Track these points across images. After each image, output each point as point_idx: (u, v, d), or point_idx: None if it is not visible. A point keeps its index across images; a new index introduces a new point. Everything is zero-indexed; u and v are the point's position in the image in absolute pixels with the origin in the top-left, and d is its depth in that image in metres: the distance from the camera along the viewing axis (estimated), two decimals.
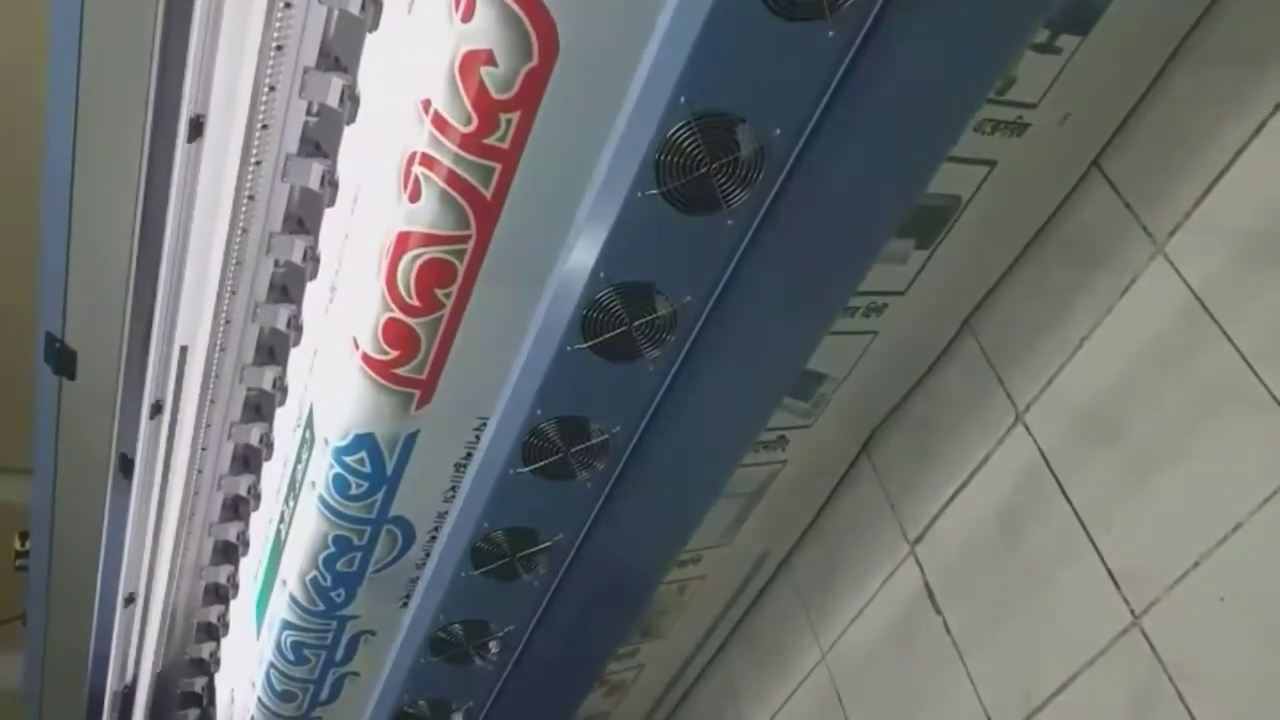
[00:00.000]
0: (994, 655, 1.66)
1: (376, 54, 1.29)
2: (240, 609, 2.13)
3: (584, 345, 1.14)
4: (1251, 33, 1.30)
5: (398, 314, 1.27)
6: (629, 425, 1.26)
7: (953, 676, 1.72)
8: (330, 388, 1.44)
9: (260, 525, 1.95)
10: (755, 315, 1.15)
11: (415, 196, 1.18)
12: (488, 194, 1.17)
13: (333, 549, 1.58)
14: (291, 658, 1.77)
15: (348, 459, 1.45)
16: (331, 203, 1.47)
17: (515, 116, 1.11)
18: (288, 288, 1.69)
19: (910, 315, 1.63)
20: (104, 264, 1.41)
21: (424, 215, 1.19)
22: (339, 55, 1.35)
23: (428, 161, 1.15)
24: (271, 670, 1.80)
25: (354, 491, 1.49)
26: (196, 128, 1.36)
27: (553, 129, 1.12)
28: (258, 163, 1.42)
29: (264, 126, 1.38)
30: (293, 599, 1.68)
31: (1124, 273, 1.43)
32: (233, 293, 1.63)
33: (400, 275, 1.24)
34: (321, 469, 1.49)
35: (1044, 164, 1.46)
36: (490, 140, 1.13)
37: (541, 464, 1.27)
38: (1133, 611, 1.42)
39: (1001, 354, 1.64)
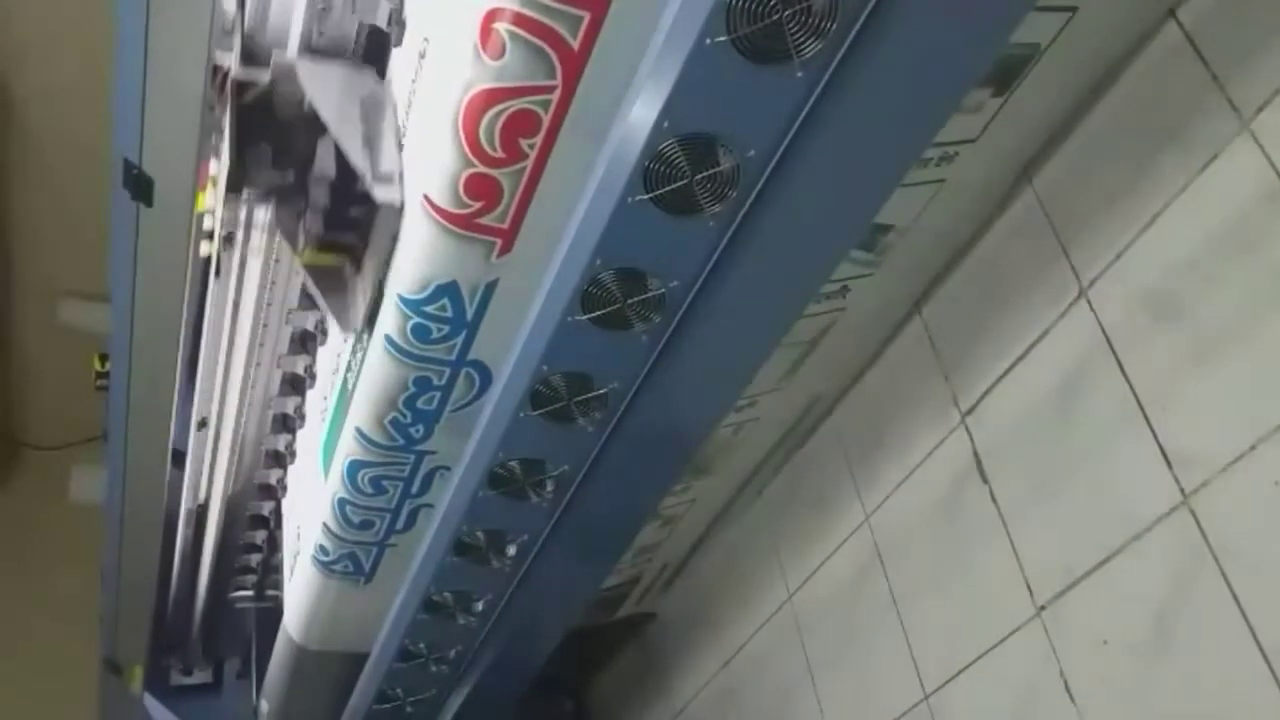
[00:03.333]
0: (1038, 527, 1.68)
1: None
2: (306, 451, 2.22)
3: (645, 197, 1.14)
4: None
5: (480, 167, 1.28)
6: (687, 280, 1.26)
7: (996, 546, 1.75)
8: (407, 241, 1.43)
9: (325, 370, 2.01)
10: (821, 170, 1.13)
11: (498, 53, 1.16)
12: (575, 44, 1.16)
13: (413, 389, 1.61)
14: (370, 490, 1.84)
15: (429, 308, 1.47)
16: (399, 42, 1.45)
17: None
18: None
19: (978, 165, 1.59)
20: (179, 90, 1.43)
21: (509, 69, 1.18)
22: None
23: (511, 16, 1.13)
24: (347, 505, 1.89)
25: (434, 336, 1.52)
26: None
27: None
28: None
29: None
30: (369, 439, 1.74)
31: (1205, 147, 1.38)
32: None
33: (483, 130, 1.23)
34: (396, 322, 1.51)
35: (1125, 14, 1.40)
36: None
37: (599, 313, 1.29)
38: (1183, 491, 1.43)
39: (1066, 222, 1.60)
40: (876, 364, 2.03)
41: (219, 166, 1.51)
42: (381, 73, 1.56)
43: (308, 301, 2.02)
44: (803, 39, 0.98)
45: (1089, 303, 1.57)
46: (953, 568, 1.85)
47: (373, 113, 1.48)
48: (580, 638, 2.65)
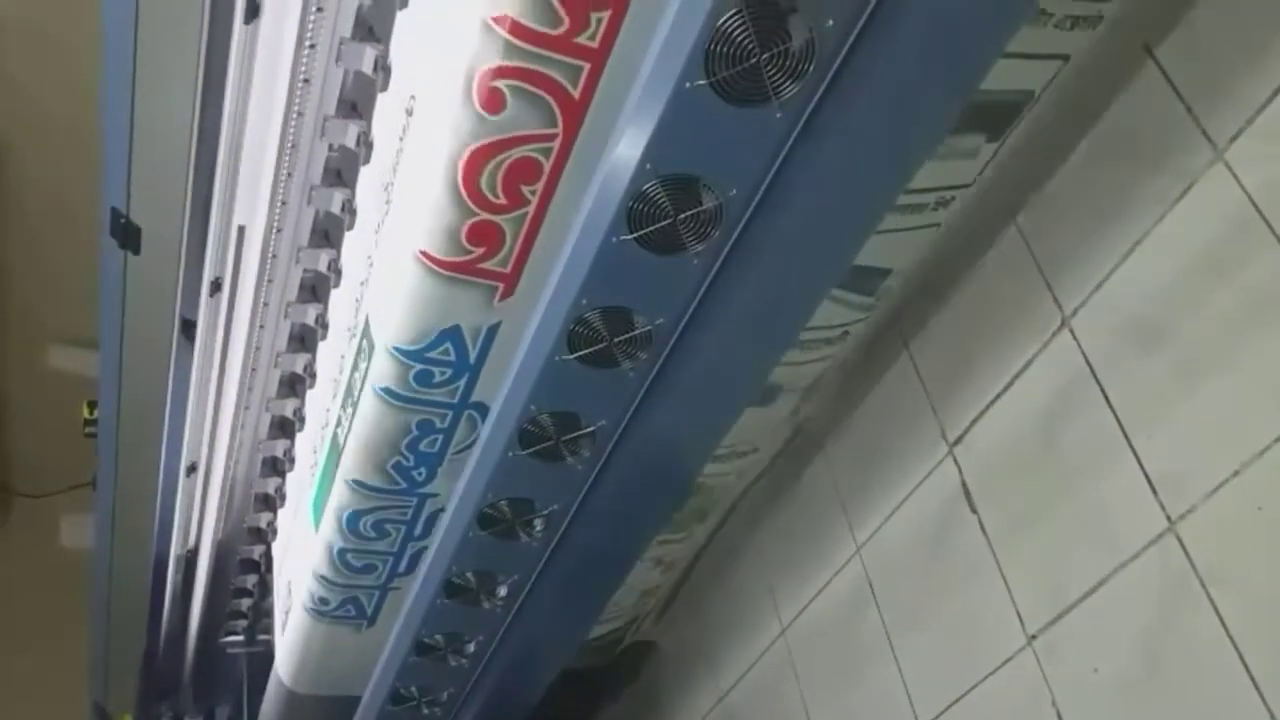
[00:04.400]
0: (1027, 555, 1.68)
1: None
2: (297, 502, 2.22)
3: (629, 236, 1.15)
4: None
5: (482, 214, 1.30)
6: (672, 317, 1.27)
7: (986, 574, 1.75)
8: (401, 295, 1.46)
9: (315, 419, 2.02)
10: (803, 208, 1.15)
11: (499, 107, 1.19)
12: (575, 93, 1.18)
13: (416, 432, 1.64)
14: (372, 534, 1.87)
15: (432, 353, 1.50)
16: (384, 87, 1.48)
17: (606, 15, 1.11)
18: (341, 172, 1.72)
19: (969, 209, 1.62)
20: (166, 143, 1.44)
21: (510, 121, 1.20)
22: None
23: (512, 71, 1.15)
24: (347, 553, 1.90)
25: (437, 380, 1.55)
26: (254, 9, 1.37)
27: (640, 26, 1.11)
28: (312, 46, 1.43)
29: (319, 9, 1.39)
30: (369, 486, 1.75)
31: (1181, 177, 1.41)
32: (289, 175, 1.66)
33: (484, 180, 1.26)
34: (394, 372, 1.53)
35: (1106, 58, 1.43)
36: (581, 40, 1.13)
37: (586, 352, 1.30)
38: (1168, 517, 1.43)
39: (1049, 255, 1.62)
40: (866, 398, 2.04)
41: None
42: None
43: (296, 344, 2.03)
44: (781, 81, 1.00)
45: (1071, 332, 1.59)
46: (944, 598, 1.85)
47: None
48: (577, 678, 2.64)
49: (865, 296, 1.74)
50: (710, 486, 2.14)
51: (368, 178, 1.63)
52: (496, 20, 1.11)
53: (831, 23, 0.97)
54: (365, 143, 1.60)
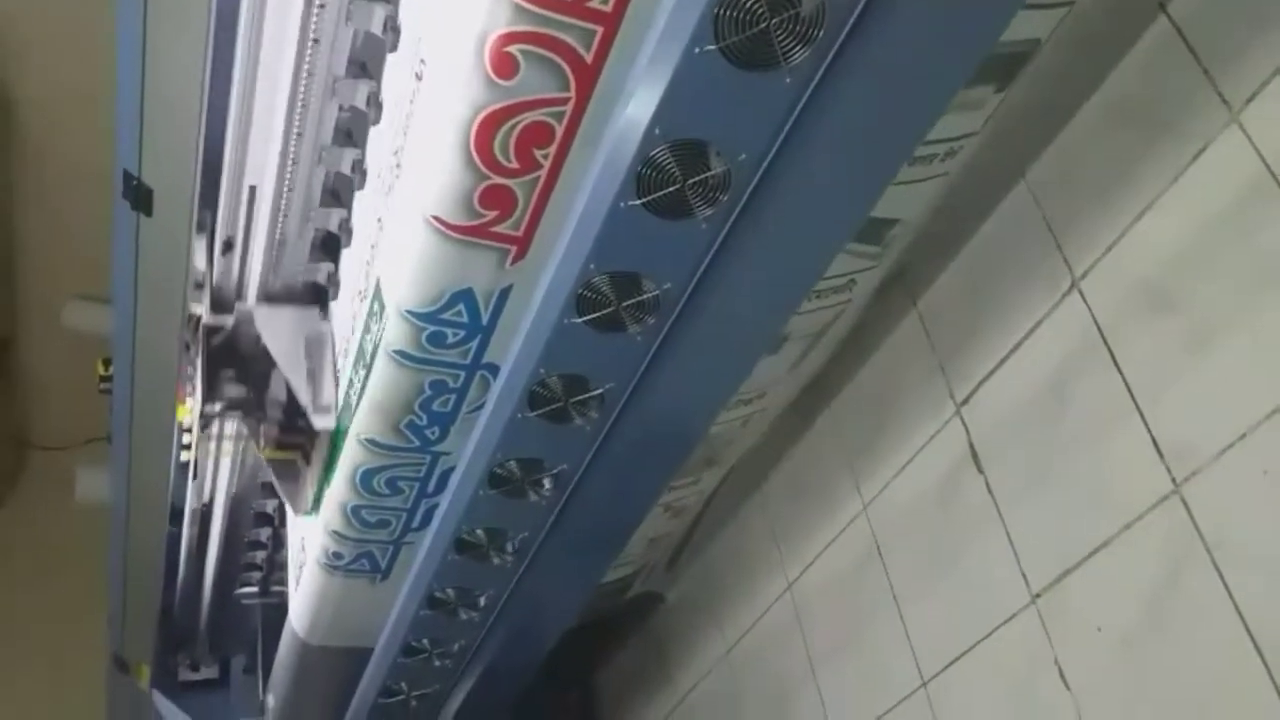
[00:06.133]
0: (1032, 516, 1.70)
1: None
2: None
3: (637, 202, 1.15)
4: None
5: (495, 178, 1.30)
6: (680, 282, 1.28)
7: (992, 534, 1.77)
8: (412, 259, 1.46)
9: None
10: (812, 174, 1.14)
11: (511, 72, 1.18)
12: (588, 57, 1.18)
13: (429, 392, 1.66)
14: (386, 490, 1.89)
15: (445, 315, 1.51)
16: (394, 48, 1.47)
17: None
18: (351, 132, 1.72)
19: (979, 163, 1.61)
20: (176, 105, 1.44)
21: (523, 86, 1.20)
22: None
23: (525, 36, 1.15)
24: (361, 509, 1.93)
25: (450, 341, 1.56)
26: None
27: None
28: (322, 5, 1.42)
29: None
30: (382, 444, 1.77)
31: (1195, 139, 1.40)
32: (299, 135, 1.65)
33: (498, 144, 1.26)
34: (407, 334, 1.54)
35: (1116, 11, 1.41)
36: (593, 3, 1.13)
37: (594, 316, 1.30)
38: (1174, 480, 1.44)
39: (1059, 215, 1.62)
40: (874, 355, 2.05)
41: (194, 389, 1.89)
42: (324, 310, 1.96)
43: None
44: (790, 46, 1.00)
45: (1081, 294, 1.59)
46: (950, 557, 1.87)
47: (316, 350, 1.91)
48: (586, 629, 2.68)
49: (873, 246, 1.73)
50: (717, 434, 2.14)
51: (377, 139, 1.63)
52: None
53: None
54: (375, 103, 1.59)
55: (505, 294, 1.49)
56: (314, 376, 1.86)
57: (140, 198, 1.48)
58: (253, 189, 1.76)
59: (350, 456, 1.81)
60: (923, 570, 1.95)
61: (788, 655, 2.38)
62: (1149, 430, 1.48)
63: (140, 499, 2.41)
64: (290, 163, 1.71)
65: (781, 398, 2.15)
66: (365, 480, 1.85)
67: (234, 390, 1.94)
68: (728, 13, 0.97)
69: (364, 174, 1.70)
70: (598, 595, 2.59)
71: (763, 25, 0.98)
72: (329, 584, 2.17)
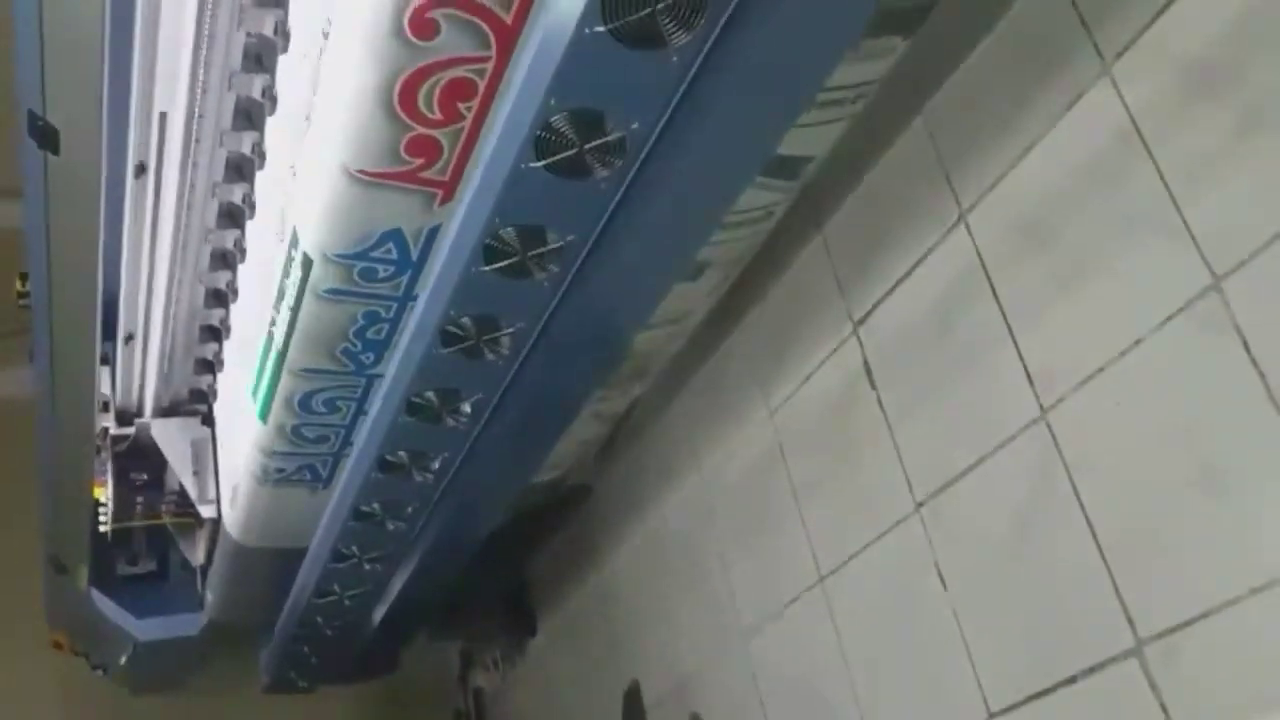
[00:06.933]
0: (919, 432, 1.82)
1: None
2: (231, 405, 2.33)
3: (538, 164, 1.21)
4: None
5: (419, 129, 1.35)
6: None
7: (883, 446, 1.89)
8: (335, 207, 1.52)
9: (247, 324, 2.10)
10: (700, 146, 1.20)
11: (431, 34, 1.23)
12: (508, 19, 1.22)
13: (362, 321, 1.76)
14: (324, 410, 2.01)
15: (375, 253, 1.58)
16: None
17: None
18: (261, 57, 1.72)
19: (879, 99, 1.66)
20: (75, 42, 1.44)
21: (444, 45, 1.24)
22: None
23: (441, 2, 1.19)
24: (302, 428, 2.05)
25: (381, 275, 1.64)
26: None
27: None
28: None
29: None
30: (319, 370, 1.88)
31: (1072, 87, 1.47)
32: (207, 64, 1.66)
33: (421, 98, 1.31)
34: (336, 273, 1.62)
35: None
36: None
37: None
38: (1041, 406, 1.57)
39: (951, 152, 1.69)
40: (781, 275, 2.13)
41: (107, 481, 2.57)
42: (207, 421, 2.55)
43: (225, 221, 2.06)
44: (674, 29, 1.05)
45: (967, 226, 1.68)
46: (844, 465, 2.00)
47: (201, 451, 2.53)
48: (518, 521, 2.80)
49: (789, 181, 1.80)
50: (642, 352, 2.23)
51: (287, 65, 1.64)
52: None
53: None
54: (283, 32, 1.60)
55: (434, 233, 1.55)
56: (199, 474, 2.51)
57: (47, 137, 1.49)
58: (163, 115, 1.76)
59: (286, 387, 1.88)
60: (820, 477, 2.09)
61: (701, 543, 2.53)
62: (1021, 358, 1.60)
63: (66, 408, 2.43)
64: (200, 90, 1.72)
65: (701, 314, 2.23)
66: (304, 402, 1.95)
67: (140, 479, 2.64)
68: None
69: (274, 100, 1.71)
70: (531, 493, 2.71)
71: (648, 10, 1.02)
72: (268, 494, 2.25)
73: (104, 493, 2.54)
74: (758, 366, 2.26)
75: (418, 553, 2.34)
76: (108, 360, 2.35)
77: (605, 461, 2.92)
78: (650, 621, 2.83)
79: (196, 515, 2.56)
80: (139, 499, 2.65)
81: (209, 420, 2.55)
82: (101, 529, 2.59)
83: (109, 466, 2.54)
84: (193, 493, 2.50)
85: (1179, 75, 1.35)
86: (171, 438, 2.54)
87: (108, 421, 2.51)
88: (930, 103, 1.73)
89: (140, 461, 2.61)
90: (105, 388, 2.41)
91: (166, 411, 2.58)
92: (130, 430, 2.55)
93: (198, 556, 2.76)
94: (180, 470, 2.52)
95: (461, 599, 3.18)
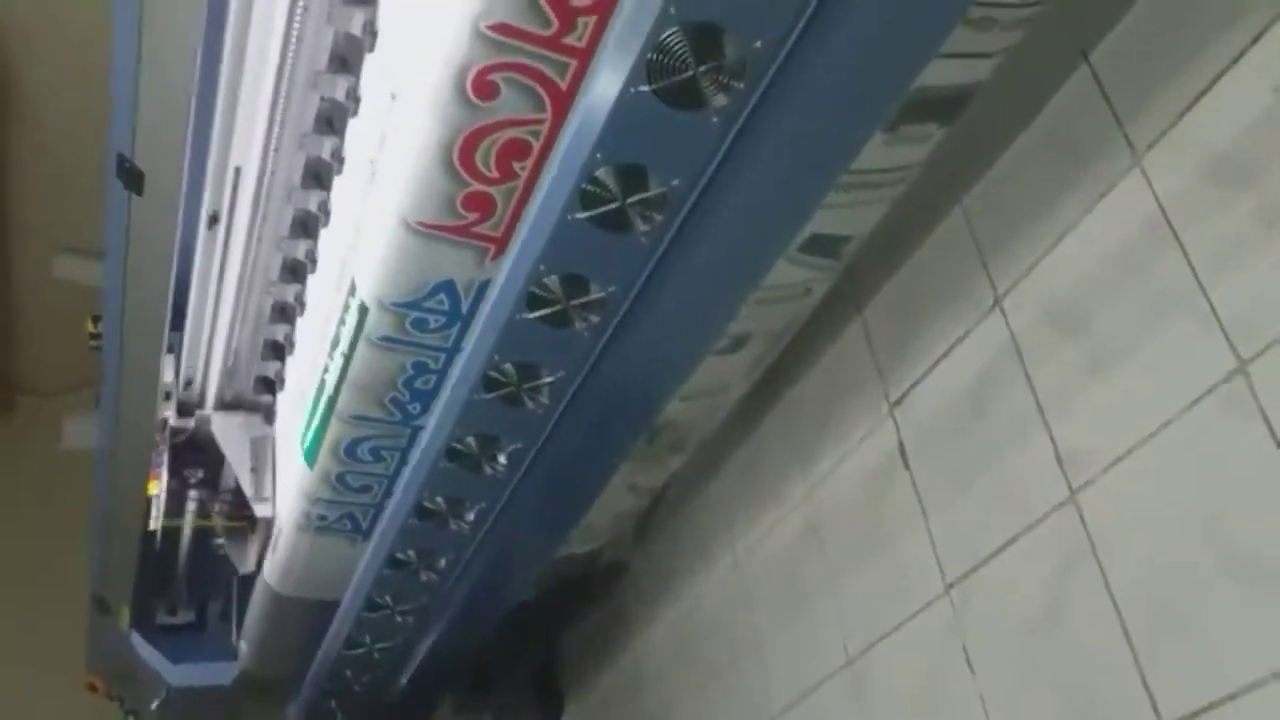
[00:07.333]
0: (951, 513, 1.83)
1: None
2: (281, 453, 2.40)
3: (582, 216, 1.28)
4: None
5: (476, 185, 1.45)
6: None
7: (915, 527, 1.90)
8: (393, 255, 1.60)
9: (302, 376, 2.18)
10: (739, 205, 1.26)
11: (492, 95, 1.32)
12: (564, 85, 1.31)
13: (411, 371, 1.82)
14: (369, 459, 2.06)
15: (427, 303, 1.66)
16: (372, 49, 1.58)
17: (592, 20, 1.23)
18: (332, 120, 1.83)
19: (920, 185, 1.72)
20: (167, 92, 1.56)
21: (503, 107, 1.34)
22: None
23: (506, 65, 1.29)
24: (346, 474, 2.10)
25: (432, 326, 1.71)
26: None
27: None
28: (305, 8, 1.54)
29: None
30: (367, 418, 1.94)
31: (1104, 178, 1.52)
32: (282, 124, 1.77)
33: (479, 155, 1.40)
34: (391, 322, 1.70)
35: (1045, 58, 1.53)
36: (569, 40, 1.26)
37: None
38: (1070, 488, 1.58)
39: (988, 238, 1.74)
40: (821, 356, 2.17)
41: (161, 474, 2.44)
42: (269, 418, 2.45)
43: (287, 275, 2.16)
44: (714, 92, 1.12)
45: (1002, 311, 1.72)
46: (878, 546, 2.01)
47: (260, 449, 2.42)
48: (554, 596, 2.82)
49: (827, 259, 1.86)
50: (681, 423, 2.27)
51: (355, 130, 1.74)
52: (491, 28, 1.23)
53: (759, 44, 1.08)
54: (354, 97, 1.71)
55: (485, 287, 1.63)
56: (257, 472, 2.41)
57: (133, 179, 1.60)
58: (238, 170, 1.88)
59: (335, 433, 1.95)
60: (854, 556, 2.09)
61: (734, 625, 2.52)
62: (1053, 441, 1.61)
63: (126, 450, 2.53)
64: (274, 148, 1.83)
65: (741, 390, 2.28)
66: (350, 450, 2.01)
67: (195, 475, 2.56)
68: (660, 58, 1.09)
69: (342, 161, 1.81)
70: (568, 565, 2.73)
71: (689, 73, 1.10)
72: (309, 542, 2.31)
73: (158, 485, 2.43)
74: (795, 446, 2.28)
75: (449, 611, 2.36)
76: (172, 348, 2.29)
77: (641, 539, 2.93)
78: (681, 705, 2.81)
79: (250, 518, 2.47)
80: (191, 495, 2.58)
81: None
82: (151, 528, 2.51)
83: (165, 459, 2.43)
84: (249, 490, 2.40)
85: (1206, 167, 1.39)
86: (231, 433, 2.45)
87: (168, 411, 2.42)
88: (969, 191, 1.78)
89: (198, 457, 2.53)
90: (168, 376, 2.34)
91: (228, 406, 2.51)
92: (191, 422, 2.46)
93: (248, 563, 2.61)
94: (238, 466, 2.42)
95: (490, 671, 3.18)
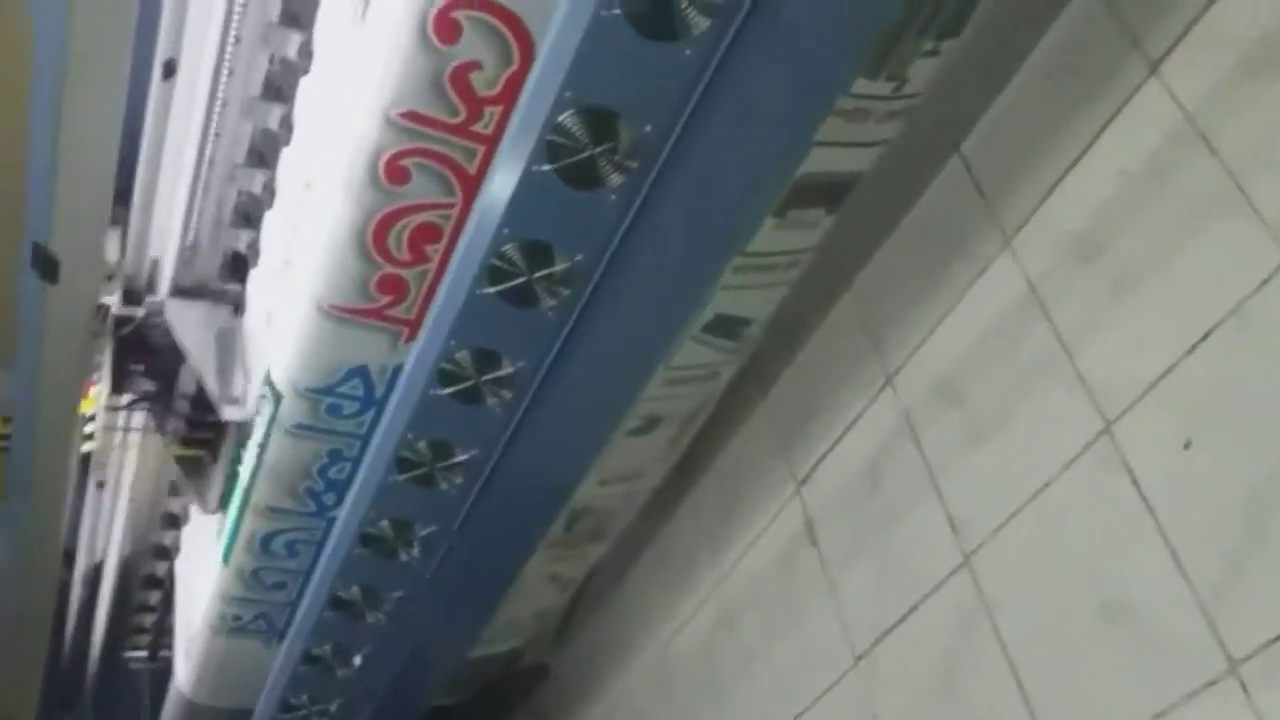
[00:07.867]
0: (856, 586, 1.89)
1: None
2: (200, 537, 2.37)
3: (490, 290, 1.35)
4: None
5: (389, 268, 1.51)
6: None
7: (823, 603, 1.96)
8: (309, 340, 1.64)
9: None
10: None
11: (403, 179, 1.40)
12: (472, 170, 1.39)
13: (326, 459, 1.83)
14: (284, 553, 2.04)
15: (341, 388, 1.69)
16: (288, 143, 1.67)
17: (498, 110, 1.32)
18: (249, 214, 1.90)
19: (813, 271, 1.83)
20: (86, 179, 1.60)
21: (414, 191, 1.41)
22: (299, 14, 1.54)
23: (417, 151, 1.37)
24: (261, 570, 2.07)
25: (346, 412, 1.74)
26: (169, 69, 1.55)
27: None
28: (224, 104, 1.61)
29: (230, 72, 1.57)
30: (281, 509, 1.93)
31: (979, 259, 1.64)
32: (200, 215, 1.83)
33: (392, 239, 1.47)
34: (305, 408, 1.72)
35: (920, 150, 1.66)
36: (476, 127, 1.35)
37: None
38: (963, 552, 1.65)
39: (877, 320, 1.86)
40: (728, 441, 2.25)
41: (101, 380, 1.91)
42: (238, 308, 2.00)
43: None
44: (610, 173, 1.21)
45: (893, 388, 1.81)
46: (789, 623, 2.05)
47: (227, 343, 1.96)
48: (475, 700, 2.77)
49: (730, 341, 1.94)
50: (599, 509, 2.31)
51: (270, 221, 1.81)
52: (402, 115, 1.32)
53: (649, 128, 1.17)
54: (270, 189, 1.79)
55: (398, 371, 1.67)
56: (223, 370, 1.94)
57: (47, 268, 1.63)
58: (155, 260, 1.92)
59: (250, 525, 1.95)
60: (767, 637, 2.13)
61: (663, 716, 2.52)
62: (945, 508, 1.69)
63: (31, 560, 2.48)
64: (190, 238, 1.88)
65: (657, 476, 2.33)
66: (265, 543, 2.00)
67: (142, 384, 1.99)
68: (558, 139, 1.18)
69: (258, 252, 1.87)
70: (489, 665, 2.71)
71: (586, 153, 1.19)
72: (223, 645, 2.27)
73: (95, 399, 1.99)
74: (706, 531, 2.33)
75: (366, 712, 2.32)
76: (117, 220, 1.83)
77: (563, 639, 2.93)
78: None
79: (210, 443, 2.06)
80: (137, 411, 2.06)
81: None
82: (84, 449, 2.12)
83: (108, 356, 1.93)
84: (214, 389, 1.92)
85: (1067, 245, 1.52)
86: (191, 324, 1.98)
87: (111, 297, 1.91)
88: (857, 276, 1.90)
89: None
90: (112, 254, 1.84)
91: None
92: (139, 311, 1.96)
93: (209, 503, 2.17)
94: (200, 362, 1.93)
95: None
